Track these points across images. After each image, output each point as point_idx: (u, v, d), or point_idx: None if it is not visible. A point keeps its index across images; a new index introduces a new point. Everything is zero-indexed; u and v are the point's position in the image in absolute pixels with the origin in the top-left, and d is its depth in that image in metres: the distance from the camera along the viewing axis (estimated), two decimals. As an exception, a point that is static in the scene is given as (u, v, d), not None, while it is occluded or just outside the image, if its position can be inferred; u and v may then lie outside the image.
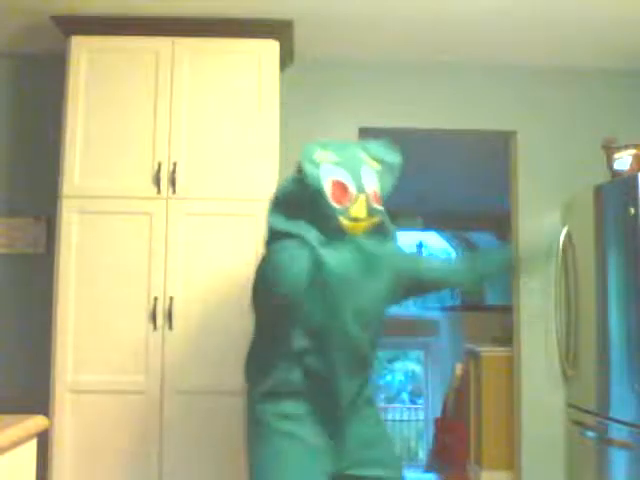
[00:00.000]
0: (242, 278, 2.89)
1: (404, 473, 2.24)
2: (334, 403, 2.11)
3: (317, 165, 2.10)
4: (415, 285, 2.32)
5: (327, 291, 2.11)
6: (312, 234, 2.12)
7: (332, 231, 2.11)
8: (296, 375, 2.13)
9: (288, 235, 2.15)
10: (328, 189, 2.08)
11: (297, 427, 2.11)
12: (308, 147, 2.21)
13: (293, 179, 2.18)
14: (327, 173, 2.09)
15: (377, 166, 2.20)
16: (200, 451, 2.85)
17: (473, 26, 3.18)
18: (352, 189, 2.09)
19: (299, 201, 2.17)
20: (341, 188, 2.09)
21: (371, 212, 2.12)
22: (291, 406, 2.13)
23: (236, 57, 3.06)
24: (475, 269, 2.39)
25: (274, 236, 2.17)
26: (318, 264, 2.09)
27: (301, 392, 2.12)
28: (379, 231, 2.18)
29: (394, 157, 2.29)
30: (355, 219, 2.09)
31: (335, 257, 2.11)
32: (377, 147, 2.28)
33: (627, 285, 2.95)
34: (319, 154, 2.13)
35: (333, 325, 2.10)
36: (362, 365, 2.17)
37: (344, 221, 2.08)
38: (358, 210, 2.09)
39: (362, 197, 2.09)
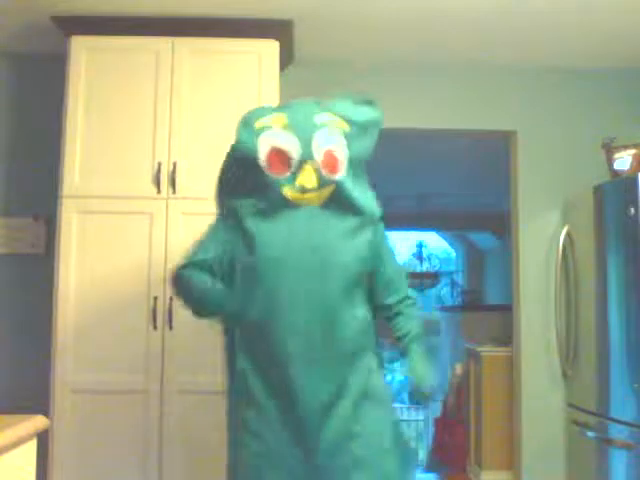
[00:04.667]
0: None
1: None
2: (296, 406, 1.88)
3: (255, 131, 1.92)
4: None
5: (260, 272, 1.88)
6: (246, 204, 1.94)
7: (275, 202, 1.90)
8: (252, 381, 1.92)
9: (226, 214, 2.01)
10: (264, 156, 1.89)
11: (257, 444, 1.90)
12: (252, 112, 2.03)
13: (228, 151, 2.02)
14: (268, 139, 1.90)
15: (345, 127, 1.97)
16: (200, 451, 2.85)
17: (473, 26, 3.18)
18: (295, 155, 1.88)
19: (235, 173, 2.01)
20: (280, 155, 1.88)
21: (323, 182, 1.89)
22: (251, 417, 1.93)
23: (236, 57, 3.06)
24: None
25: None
26: (246, 237, 1.91)
27: (258, 400, 1.91)
28: (336, 203, 1.93)
29: (368, 114, 2.04)
30: (303, 189, 1.88)
31: (270, 229, 1.90)
32: (346, 105, 2.03)
33: (627, 285, 2.95)
34: (266, 119, 1.94)
35: (273, 314, 1.87)
36: (335, 361, 1.90)
37: (289, 191, 1.88)
38: (305, 179, 1.88)
39: (309, 165, 1.88)
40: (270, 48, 3.07)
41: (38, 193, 3.39)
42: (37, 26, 3.15)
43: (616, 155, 3.25)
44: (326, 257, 1.90)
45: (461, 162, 5.36)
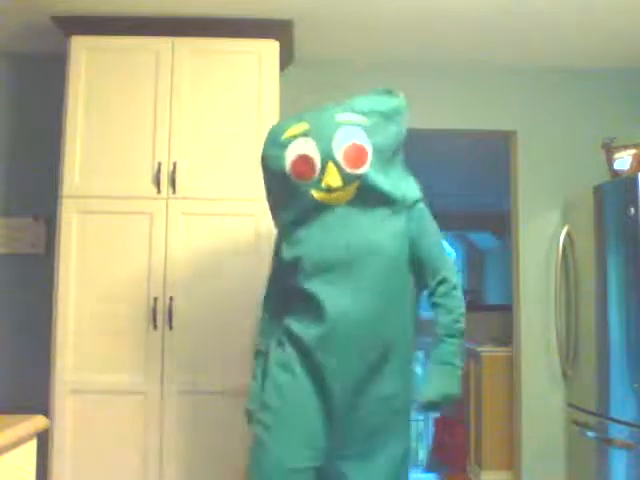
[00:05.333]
0: (242, 278, 2.89)
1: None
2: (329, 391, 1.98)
3: (283, 144, 1.99)
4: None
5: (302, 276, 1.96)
6: (284, 216, 2.05)
7: (307, 208, 1.98)
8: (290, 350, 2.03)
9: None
10: (289, 166, 1.96)
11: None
12: (276, 126, 2.11)
13: (262, 169, 2.12)
14: (293, 149, 1.96)
15: (365, 121, 2.01)
16: (200, 451, 2.85)
17: (473, 26, 3.18)
18: (318, 158, 1.94)
19: (272, 188, 2.11)
20: (305, 161, 1.94)
21: (348, 179, 1.94)
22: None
23: (236, 57, 3.06)
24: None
25: None
26: (290, 245, 2.02)
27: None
28: (364, 197, 1.98)
29: (389, 102, 2.10)
30: (329, 189, 1.94)
31: (306, 236, 1.99)
32: (364, 100, 2.09)
33: (627, 285, 2.95)
34: (291, 130, 2.01)
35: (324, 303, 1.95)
36: (370, 358, 1.98)
37: (316, 193, 1.94)
38: (330, 179, 1.93)
39: (331, 164, 1.93)
40: (270, 48, 3.07)
41: (38, 193, 3.40)
42: (37, 26, 3.15)
43: (616, 155, 3.25)
44: (360, 254, 1.95)
45: (461, 162, 5.36)
